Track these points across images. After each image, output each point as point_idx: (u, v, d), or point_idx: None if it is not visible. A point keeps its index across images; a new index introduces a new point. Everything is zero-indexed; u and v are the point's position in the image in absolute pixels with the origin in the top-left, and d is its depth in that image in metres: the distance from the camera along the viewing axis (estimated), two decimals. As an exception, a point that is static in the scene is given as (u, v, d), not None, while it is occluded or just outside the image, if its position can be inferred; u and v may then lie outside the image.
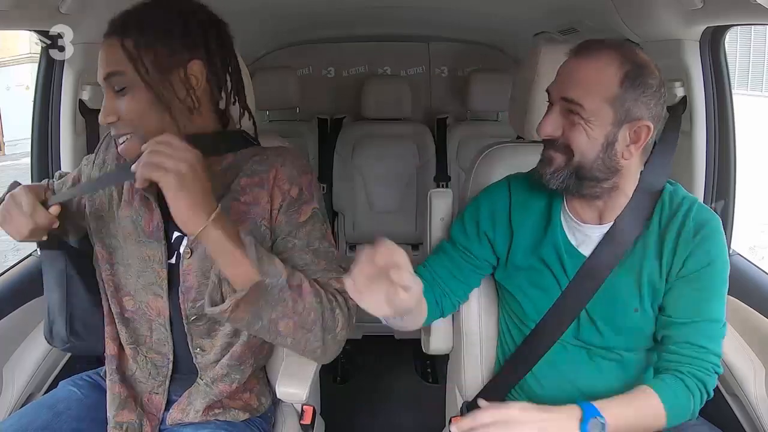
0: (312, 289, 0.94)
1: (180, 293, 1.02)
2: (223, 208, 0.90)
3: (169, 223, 1.00)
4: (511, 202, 1.12)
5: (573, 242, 1.07)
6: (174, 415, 1.07)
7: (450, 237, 1.19)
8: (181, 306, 1.03)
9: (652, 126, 0.97)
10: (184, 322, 1.04)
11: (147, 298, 1.05)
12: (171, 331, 1.06)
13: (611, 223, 1.04)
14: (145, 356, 1.08)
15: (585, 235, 1.06)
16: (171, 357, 1.07)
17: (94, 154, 1.12)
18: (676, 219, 1.02)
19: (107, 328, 1.09)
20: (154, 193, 1.01)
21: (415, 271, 0.85)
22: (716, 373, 0.98)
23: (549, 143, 1.01)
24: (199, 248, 1.00)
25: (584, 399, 0.92)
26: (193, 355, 1.06)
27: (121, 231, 1.05)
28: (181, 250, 1.03)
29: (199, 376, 1.08)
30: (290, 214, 1.01)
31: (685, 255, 0.99)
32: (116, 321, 1.08)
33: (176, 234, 1.03)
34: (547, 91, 1.02)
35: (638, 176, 1.04)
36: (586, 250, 1.06)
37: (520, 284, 1.10)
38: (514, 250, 1.10)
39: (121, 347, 1.09)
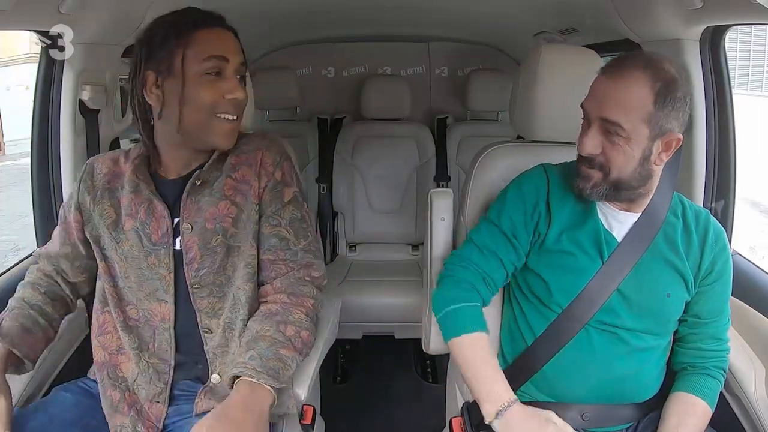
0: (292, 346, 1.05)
1: (184, 265, 1.08)
2: (219, 184, 1.08)
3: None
4: (549, 187, 1.16)
5: (607, 227, 1.13)
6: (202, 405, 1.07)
7: (496, 224, 1.18)
8: (186, 276, 1.07)
9: (681, 137, 1.03)
10: (191, 294, 1.07)
11: (150, 305, 1.09)
12: (174, 336, 1.09)
13: (641, 212, 1.12)
14: (147, 362, 1.09)
15: (619, 221, 1.12)
16: (172, 363, 1.09)
17: (79, 180, 1.16)
18: (699, 225, 1.13)
19: (99, 338, 1.12)
20: (159, 196, 1.09)
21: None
22: (727, 353, 1.16)
23: (586, 160, 1.06)
24: (198, 222, 1.08)
25: (598, 384, 1.09)
26: (203, 340, 1.08)
27: (125, 245, 1.10)
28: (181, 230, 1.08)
29: (212, 372, 1.08)
30: (275, 193, 1.11)
31: (709, 260, 1.12)
32: (119, 329, 1.10)
33: (175, 220, 1.09)
34: (582, 107, 1.07)
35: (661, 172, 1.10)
36: (618, 235, 1.12)
37: (551, 267, 1.13)
38: (550, 232, 1.14)
39: (115, 353, 1.11)
